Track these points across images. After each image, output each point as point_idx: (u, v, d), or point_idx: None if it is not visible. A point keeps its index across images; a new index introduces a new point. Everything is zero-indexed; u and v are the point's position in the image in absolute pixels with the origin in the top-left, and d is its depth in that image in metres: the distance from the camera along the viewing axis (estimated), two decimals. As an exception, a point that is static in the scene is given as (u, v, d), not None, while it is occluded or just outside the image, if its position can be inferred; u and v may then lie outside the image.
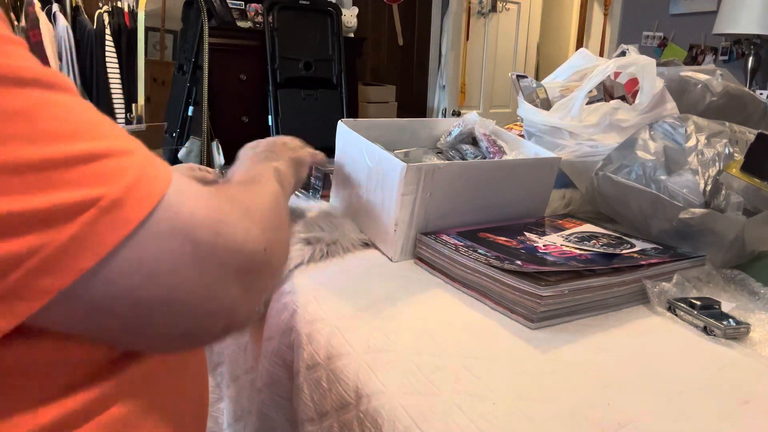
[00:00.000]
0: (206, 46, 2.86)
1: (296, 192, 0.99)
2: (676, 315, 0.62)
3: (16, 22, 2.96)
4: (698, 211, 0.71)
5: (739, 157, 0.75)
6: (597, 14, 4.46)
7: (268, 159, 0.67)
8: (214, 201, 0.37)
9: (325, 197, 0.94)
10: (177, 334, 0.36)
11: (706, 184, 0.74)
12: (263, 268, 0.41)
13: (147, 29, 3.19)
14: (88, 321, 0.33)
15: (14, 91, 0.29)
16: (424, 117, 4.45)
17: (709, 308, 0.61)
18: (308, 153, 0.79)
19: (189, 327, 0.36)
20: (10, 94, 0.29)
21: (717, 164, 0.75)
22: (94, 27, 3.20)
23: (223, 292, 0.37)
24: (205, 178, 0.83)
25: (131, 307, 0.33)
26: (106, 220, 0.30)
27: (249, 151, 0.70)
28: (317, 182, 0.98)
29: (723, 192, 0.73)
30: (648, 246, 0.72)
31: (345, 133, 0.84)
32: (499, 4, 4.80)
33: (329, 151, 0.94)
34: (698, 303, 0.61)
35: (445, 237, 0.72)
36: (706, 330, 0.59)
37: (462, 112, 4.58)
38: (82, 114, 0.32)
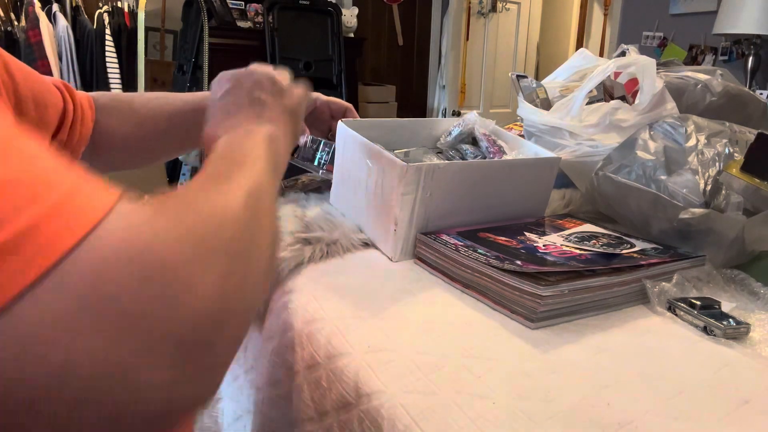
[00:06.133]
0: (206, 46, 2.86)
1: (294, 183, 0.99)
2: (676, 315, 0.62)
3: (16, 22, 2.97)
4: (698, 211, 0.71)
5: (739, 157, 0.75)
6: (597, 14, 4.47)
7: (257, 115, 0.53)
8: (150, 239, 0.27)
9: (330, 170, 0.91)
10: (84, 428, 0.25)
11: (706, 184, 0.74)
12: (216, 334, 0.29)
13: (147, 29, 3.19)
14: None
15: None
16: (424, 117, 4.46)
17: (709, 308, 0.61)
18: (301, 93, 0.61)
19: (101, 419, 0.25)
20: None
21: (717, 164, 0.75)
22: (94, 27, 3.20)
23: (150, 371, 0.26)
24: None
25: (11, 391, 0.23)
26: None
27: (228, 95, 0.55)
28: (324, 155, 0.92)
29: (723, 192, 0.73)
30: (648, 246, 0.72)
31: (345, 133, 0.84)
32: (499, 4, 4.81)
33: (329, 151, 0.94)
34: (698, 303, 0.61)
35: (445, 237, 0.72)
36: (706, 330, 0.59)
37: (462, 112, 4.58)
38: (7, 145, 0.26)
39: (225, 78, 0.57)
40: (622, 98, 1.00)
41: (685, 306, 0.62)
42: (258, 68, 0.58)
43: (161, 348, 0.26)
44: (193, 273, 0.27)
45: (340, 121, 0.85)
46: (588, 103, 0.94)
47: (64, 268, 0.24)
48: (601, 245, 0.70)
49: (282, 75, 0.59)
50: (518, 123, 1.21)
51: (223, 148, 0.47)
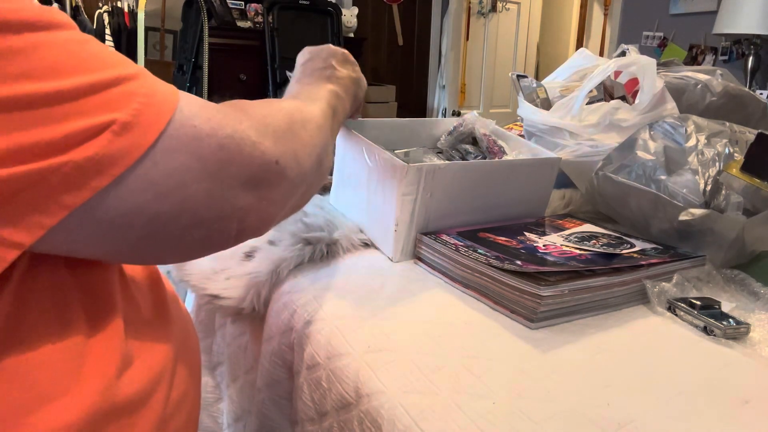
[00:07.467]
0: (206, 46, 2.86)
1: None
2: (676, 315, 0.62)
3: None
4: (698, 211, 0.71)
5: (739, 157, 0.75)
6: (597, 14, 4.46)
7: (326, 78, 0.65)
8: (220, 116, 0.39)
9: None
10: (192, 241, 0.39)
11: (706, 184, 0.74)
12: (277, 179, 0.42)
13: (147, 29, 3.19)
14: (107, 237, 0.35)
15: (9, 36, 0.30)
16: (424, 117, 4.45)
17: (709, 308, 0.61)
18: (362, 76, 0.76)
19: (203, 234, 0.39)
20: (6, 39, 0.30)
21: (717, 164, 0.75)
22: (94, 27, 3.20)
23: (233, 201, 0.39)
24: None
25: (146, 220, 0.35)
26: (118, 143, 0.32)
27: (308, 62, 0.68)
28: None
29: (723, 192, 0.73)
30: (648, 246, 0.72)
31: (345, 133, 0.84)
32: (499, 4, 4.80)
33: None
34: (698, 303, 0.61)
35: (445, 237, 0.72)
36: (706, 330, 0.59)
37: (462, 112, 4.58)
38: (84, 48, 0.33)
39: (307, 50, 0.70)
40: (622, 98, 1.00)
41: (685, 306, 0.62)
42: (333, 46, 0.71)
43: (242, 184, 0.39)
44: (252, 141, 0.40)
45: (340, 121, 0.85)
46: (588, 103, 0.94)
47: (165, 142, 0.35)
48: (601, 245, 0.70)
49: (351, 57, 0.72)
50: (518, 123, 1.21)
51: (295, 92, 0.61)
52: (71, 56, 0.32)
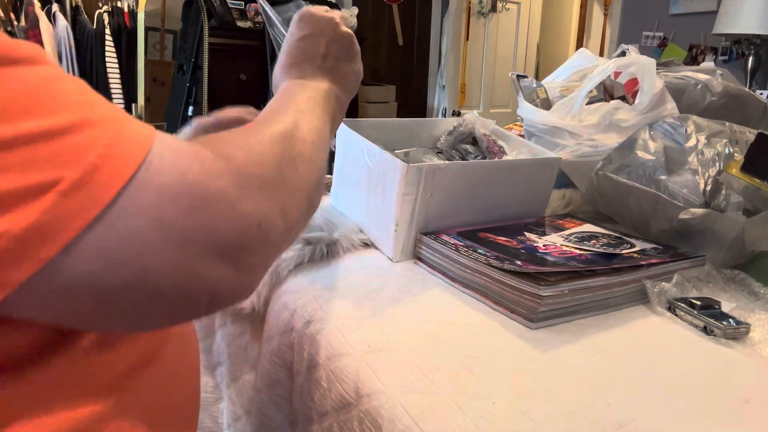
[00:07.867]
0: (206, 46, 2.86)
1: None
2: (676, 315, 0.62)
3: (16, 22, 2.97)
4: (698, 211, 0.71)
5: (739, 157, 0.75)
6: (597, 14, 4.46)
7: (327, 70, 0.56)
8: (197, 168, 0.32)
9: None
10: (152, 315, 0.34)
11: (706, 184, 0.74)
12: (258, 245, 0.35)
13: (147, 29, 3.19)
14: (53, 309, 0.30)
15: None
16: (424, 117, 4.45)
17: (709, 308, 0.61)
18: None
19: (165, 308, 0.33)
20: None
21: (717, 164, 0.75)
22: (94, 27, 3.20)
23: (204, 272, 0.33)
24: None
25: (98, 293, 0.30)
26: (66, 206, 0.27)
27: (307, 40, 0.57)
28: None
29: (723, 192, 0.73)
30: (648, 246, 0.72)
31: (345, 133, 0.84)
32: (499, 4, 4.80)
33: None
34: (698, 303, 0.61)
35: (445, 237, 0.72)
36: (706, 330, 0.59)
37: (462, 112, 4.58)
38: (44, 87, 0.29)
39: (308, 21, 0.58)
40: (622, 98, 1.00)
41: (685, 306, 0.62)
42: (341, 24, 0.59)
43: (214, 253, 0.33)
44: (231, 203, 0.33)
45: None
46: (588, 103, 0.94)
47: (123, 203, 0.29)
48: (601, 245, 0.70)
49: (355, 41, 0.61)
50: (518, 123, 1.21)
51: (282, 94, 0.52)
52: (21, 96, 0.27)
